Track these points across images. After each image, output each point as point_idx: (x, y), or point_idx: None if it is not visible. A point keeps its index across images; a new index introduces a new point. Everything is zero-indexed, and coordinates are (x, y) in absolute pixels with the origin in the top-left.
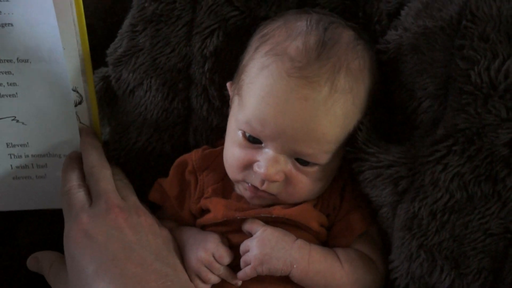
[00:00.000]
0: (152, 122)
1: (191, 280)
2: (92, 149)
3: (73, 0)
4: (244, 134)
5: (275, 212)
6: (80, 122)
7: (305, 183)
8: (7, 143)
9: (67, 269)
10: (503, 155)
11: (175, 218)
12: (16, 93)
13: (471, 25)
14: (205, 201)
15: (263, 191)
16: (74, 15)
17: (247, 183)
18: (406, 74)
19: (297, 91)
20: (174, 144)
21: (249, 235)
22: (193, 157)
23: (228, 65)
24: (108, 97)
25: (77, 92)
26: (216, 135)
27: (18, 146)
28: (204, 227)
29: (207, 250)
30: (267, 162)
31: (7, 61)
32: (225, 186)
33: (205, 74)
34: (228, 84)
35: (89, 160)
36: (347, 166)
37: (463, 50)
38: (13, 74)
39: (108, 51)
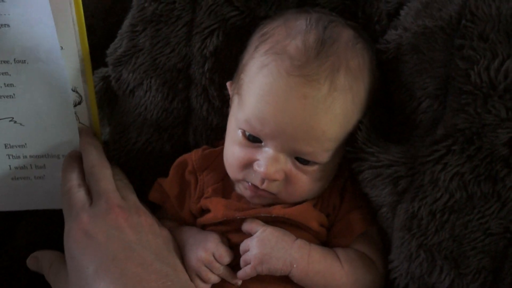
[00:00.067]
0: (152, 122)
1: (191, 279)
2: (92, 149)
3: (72, 0)
4: (244, 133)
5: (275, 211)
6: (80, 122)
7: (305, 182)
8: (5, 144)
9: (67, 269)
10: (503, 155)
11: (175, 218)
12: (14, 94)
13: (471, 24)
14: (205, 201)
15: (263, 190)
16: (73, 14)
17: (247, 182)
18: (406, 74)
19: (296, 90)
20: (174, 144)
21: (249, 234)
22: (193, 157)
23: (228, 65)
24: (108, 97)
25: (77, 92)
26: (216, 135)
27: (16, 147)
28: (204, 227)
29: (207, 249)
30: (267, 161)
31: (4, 62)
32: (225, 186)
33: (205, 74)
34: (228, 84)
35: (89, 160)
36: (347, 165)
37: (463, 50)
38: (10, 75)
39: (108, 51)
